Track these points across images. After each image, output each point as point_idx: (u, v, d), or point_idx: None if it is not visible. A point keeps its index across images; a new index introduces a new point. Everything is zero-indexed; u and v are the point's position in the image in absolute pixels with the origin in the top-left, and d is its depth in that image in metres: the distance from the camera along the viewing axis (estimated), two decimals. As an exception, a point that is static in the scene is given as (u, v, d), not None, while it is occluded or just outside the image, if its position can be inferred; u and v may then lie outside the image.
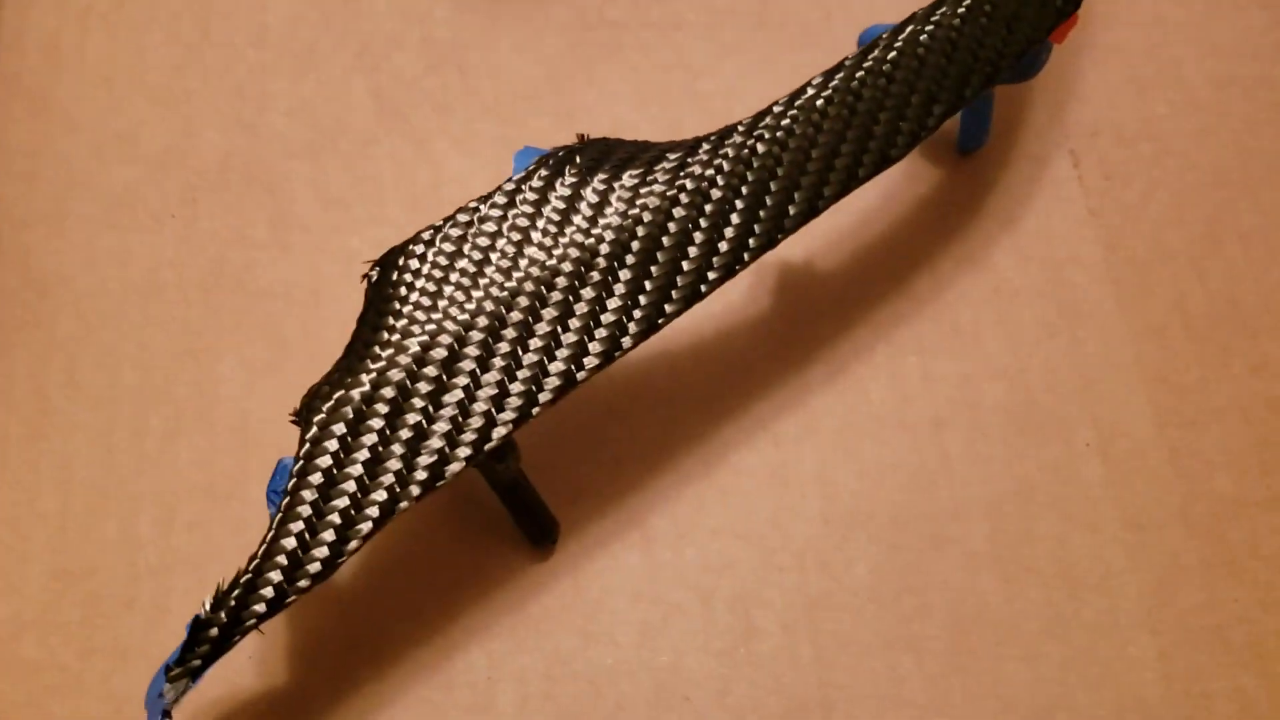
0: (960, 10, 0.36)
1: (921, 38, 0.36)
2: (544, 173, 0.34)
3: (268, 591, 0.30)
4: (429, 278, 0.33)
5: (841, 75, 0.35)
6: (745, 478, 0.41)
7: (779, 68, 0.49)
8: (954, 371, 0.43)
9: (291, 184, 0.46)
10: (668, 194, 0.34)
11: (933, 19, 0.36)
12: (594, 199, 0.33)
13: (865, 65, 0.35)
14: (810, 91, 0.35)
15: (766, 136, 0.34)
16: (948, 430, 0.42)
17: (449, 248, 0.33)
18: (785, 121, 0.35)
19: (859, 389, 0.43)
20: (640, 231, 0.33)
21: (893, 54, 0.35)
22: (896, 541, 0.40)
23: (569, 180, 0.34)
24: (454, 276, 0.33)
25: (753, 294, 0.44)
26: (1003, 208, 0.46)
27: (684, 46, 0.50)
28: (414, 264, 0.33)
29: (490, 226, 0.33)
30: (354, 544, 0.31)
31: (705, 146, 0.34)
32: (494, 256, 0.33)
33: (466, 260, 0.33)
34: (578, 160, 0.34)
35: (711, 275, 0.33)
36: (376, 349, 0.32)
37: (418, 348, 0.32)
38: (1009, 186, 0.47)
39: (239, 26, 0.49)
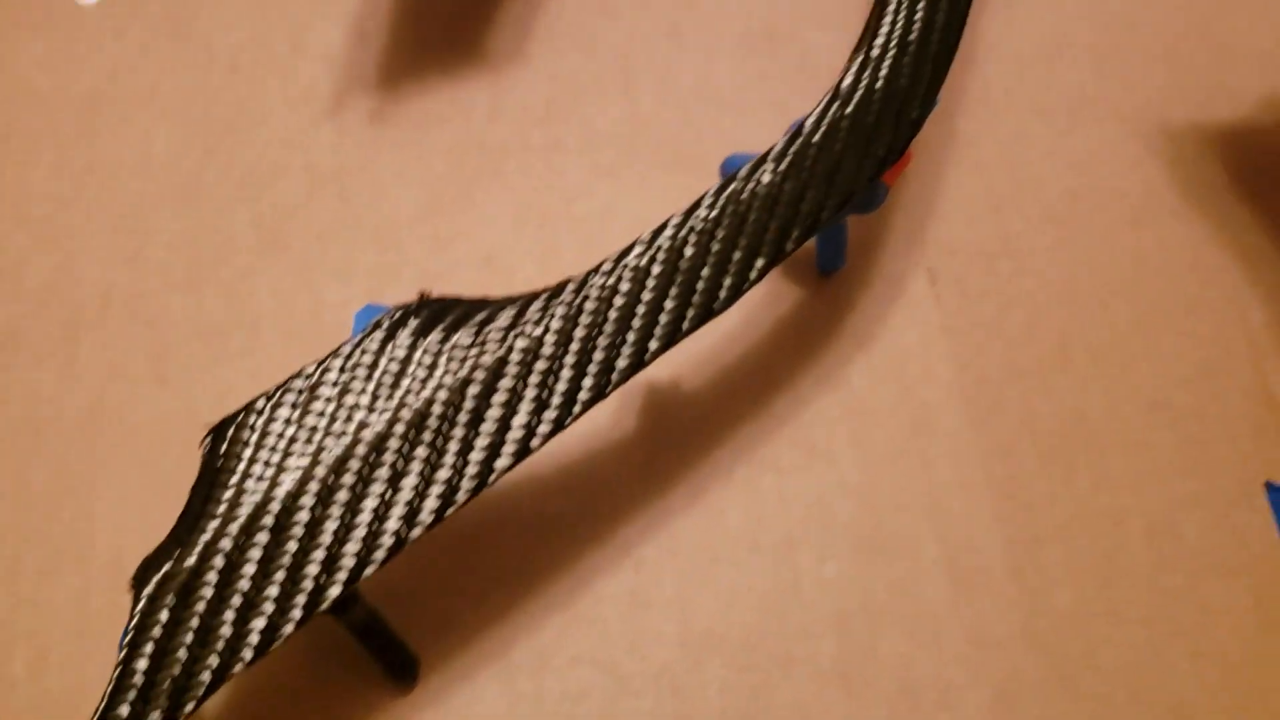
0: (781, 167, 0.38)
1: (743, 195, 0.37)
2: (379, 335, 0.35)
3: (101, 761, 0.32)
4: (261, 446, 0.34)
5: (666, 234, 0.37)
6: (606, 604, 0.43)
7: (652, 188, 0.51)
8: (808, 491, 0.45)
9: (171, 317, 0.47)
10: (498, 354, 0.35)
11: (755, 175, 0.38)
12: (428, 360, 0.35)
13: (689, 225, 0.37)
14: (637, 249, 0.37)
15: (594, 295, 0.36)
16: (800, 550, 0.44)
17: (283, 414, 0.34)
18: (611, 281, 0.36)
19: (717, 511, 0.44)
20: (472, 390, 0.35)
21: (715, 213, 0.37)
22: (748, 663, 0.42)
23: (404, 341, 0.35)
24: (284, 445, 0.34)
25: (618, 417, 0.46)
26: (860, 327, 0.48)
27: (561, 169, 0.52)
28: (245, 434, 0.34)
29: (325, 391, 0.35)
30: (190, 706, 0.32)
31: (537, 304, 0.36)
32: (324, 423, 0.34)
33: (299, 427, 0.34)
34: (412, 321, 0.36)
35: (542, 429, 0.35)
36: (206, 519, 0.33)
37: (246, 517, 0.33)
38: (867, 306, 0.49)
39: (124, 158, 0.51)
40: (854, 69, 0.39)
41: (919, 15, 0.40)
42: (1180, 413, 0.46)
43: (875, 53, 0.40)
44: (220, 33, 0.54)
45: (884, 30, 0.40)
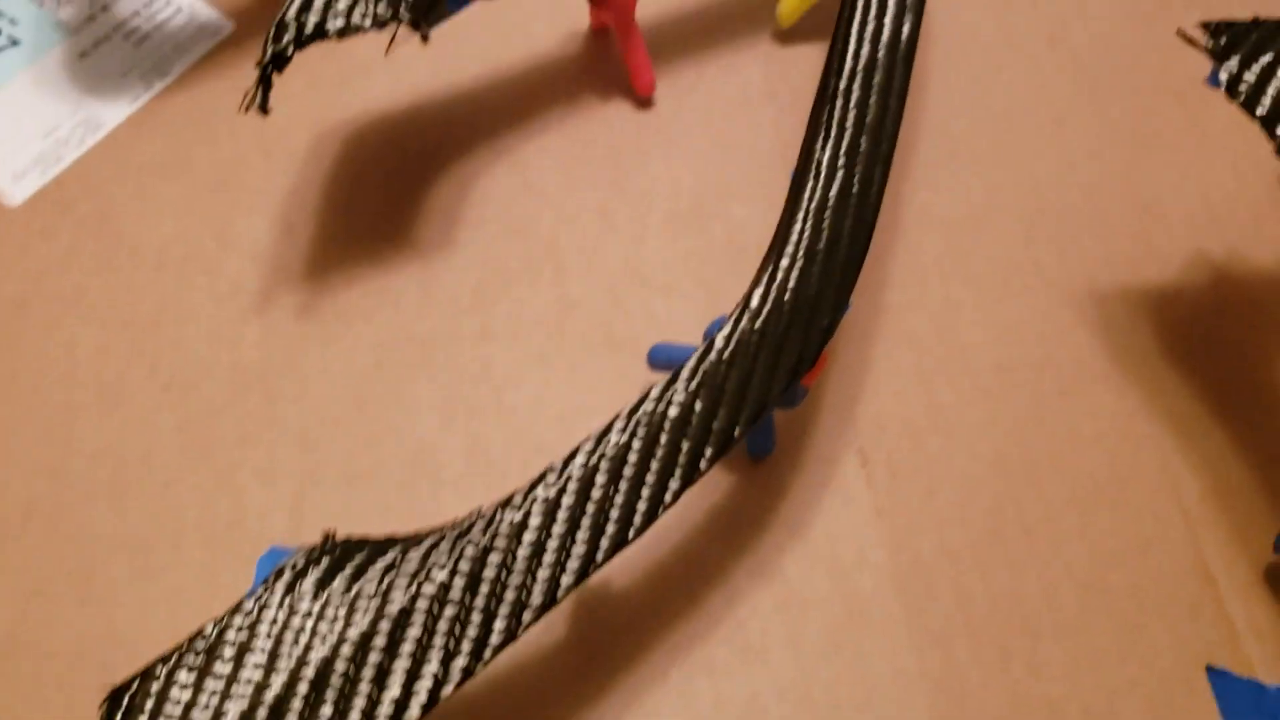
0: (692, 386, 0.38)
1: (654, 417, 0.37)
2: (281, 587, 0.35)
3: None
4: (158, 714, 0.33)
5: (578, 462, 0.37)
6: (535, 823, 0.42)
7: (582, 374, 0.51)
8: (742, 692, 0.44)
9: (93, 529, 0.47)
10: (403, 603, 0.35)
11: (666, 396, 0.38)
12: (330, 613, 0.34)
13: (600, 451, 0.37)
14: (548, 479, 0.37)
15: (504, 531, 0.36)
16: (736, 757, 0.43)
17: (181, 678, 0.34)
18: (520, 516, 0.36)
19: (653, 718, 0.44)
20: (378, 643, 0.34)
21: (626, 437, 0.37)
22: None
23: (306, 591, 0.35)
24: (180, 712, 0.33)
25: (549, 623, 0.45)
26: (793, 513, 0.48)
27: (490, 359, 0.51)
28: (140, 700, 0.33)
29: (225, 651, 0.34)
30: None
31: (444, 545, 0.36)
32: (222, 687, 0.33)
33: (196, 691, 0.33)
34: (313, 570, 0.35)
35: (451, 678, 0.34)
36: (102, 797, 0.32)
37: (143, 794, 0.33)
38: (799, 491, 0.48)
39: (48, 366, 0.50)
40: (763, 282, 0.40)
41: (826, 224, 0.40)
42: (1115, 593, 0.46)
43: (784, 263, 0.40)
44: (148, 229, 0.54)
45: (792, 240, 0.40)
